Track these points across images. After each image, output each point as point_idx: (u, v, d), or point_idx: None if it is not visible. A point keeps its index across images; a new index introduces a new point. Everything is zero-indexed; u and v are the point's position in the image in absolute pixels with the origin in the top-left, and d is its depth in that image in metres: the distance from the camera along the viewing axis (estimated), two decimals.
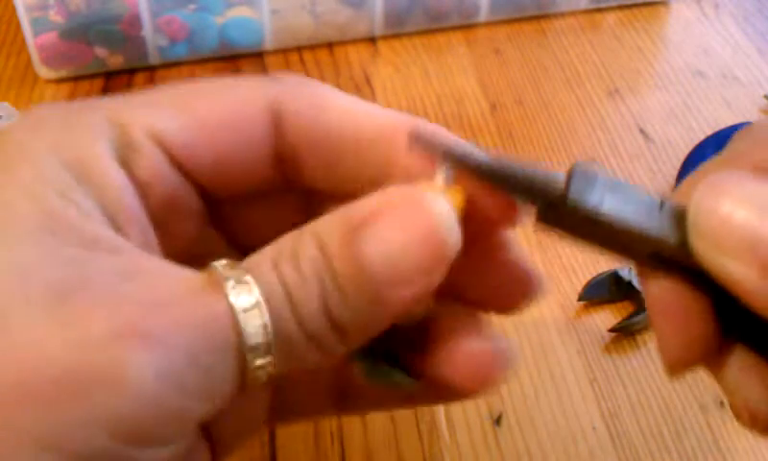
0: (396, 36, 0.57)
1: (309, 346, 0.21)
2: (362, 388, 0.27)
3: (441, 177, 0.23)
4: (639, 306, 0.41)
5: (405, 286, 0.22)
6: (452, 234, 0.22)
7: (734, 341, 0.23)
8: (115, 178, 0.22)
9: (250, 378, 0.21)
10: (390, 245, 0.21)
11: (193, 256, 0.25)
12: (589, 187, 0.22)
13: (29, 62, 0.53)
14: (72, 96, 0.52)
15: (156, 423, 0.19)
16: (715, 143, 0.49)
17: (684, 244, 0.22)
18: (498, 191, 0.24)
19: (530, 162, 0.23)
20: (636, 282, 0.41)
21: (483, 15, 0.58)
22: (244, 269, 0.21)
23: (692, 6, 0.61)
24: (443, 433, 0.37)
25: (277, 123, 0.25)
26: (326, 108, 0.25)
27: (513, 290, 0.26)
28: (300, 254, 0.21)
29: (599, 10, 0.60)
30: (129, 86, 0.53)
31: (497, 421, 0.37)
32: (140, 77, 0.54)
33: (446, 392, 0.25)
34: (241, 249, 0.28)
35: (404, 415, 0.37)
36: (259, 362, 0.21)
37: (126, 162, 0.23)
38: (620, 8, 0.61)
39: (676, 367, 0.23)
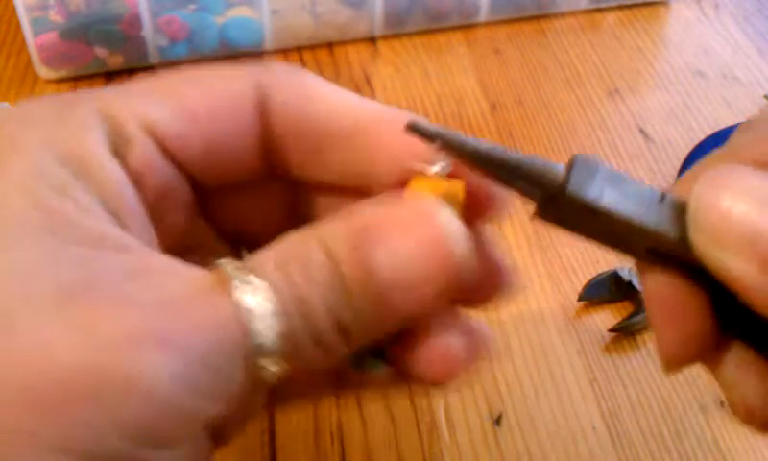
0: (396, 36, 0.57)
1: (315, 349, 0.21)
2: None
3: (438, 166, 0.23)
4: (639, 306, 0.41)
5: (413, 297, 0.22)
6: (461, 246, 0.22)
7: (732, 337, 0.23)
8: (113, 171, 0.22)
9: (258, 379, 0.21)
10: (399, 256, 0.21)
11: (184, 248, 0.25)
12: (590, 179, 0.22)
13: (29, 62, 0.53)
14: None
15: (170, 424, 0.19)
16: (715, 143, 0.49)
17: (683, 238, 0.22)
18: (496, 181, 0.23)
19: (529, 154, 0.23)
20: (635, 282, 0.41)
21: (483, 15, 0.58)
22: (253, 270, 0.21)
23: (692, 6, 0.61)
24: (443, 433, 0.37)
25: (264, 111, 0.25)
26: (312, 97, 0.25)
27: (486, 284, 0.26)
28: (308, 259, 0.21)
29: (599, 10, 0.60)
30: None
31: (497, 421, 0.37)
32: (140, 77, 0.54)
33: (419, 381, 0.25)
34: (228, 237, 0.28)
35: (404, 415, 0.37)
36: (268, 364, 0.21)
37: (119, 155, 0.22)
38: (620, 8, 0.61)
39: (673, 363, 0.23)
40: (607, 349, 0.40)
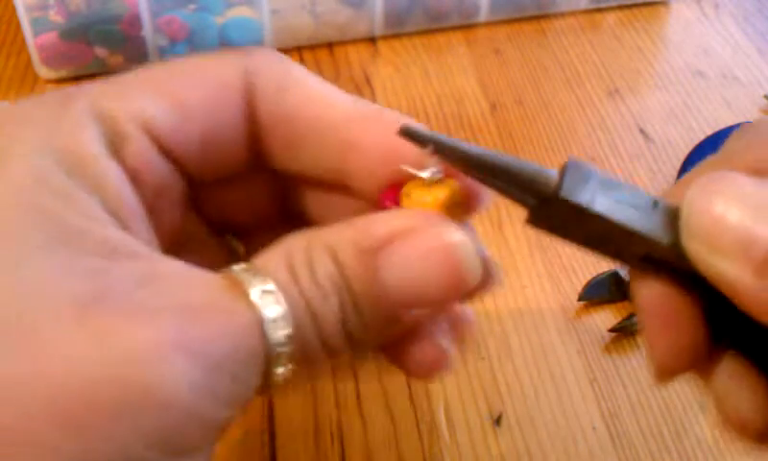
0: (396, 36, 0.57)
1: (323, 354, 0.22)
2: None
3: (431, 169, 0.23)
4: None
5: (421, 309, 0.22)
6: (475, 269, 0.22)
7: (725, 348, 0.23)
8: (111, 170, 0.22)
9: (268, 382, 0.21)
10: (409, 271, 0.22)
11: (178, 243, 0.25)
12: (582, 183, 0.22)
13: (29, 62, 0.53)
14: None
15: (190, 433, 0.19)
16: (715, 143, 0.49)
17: (676, 244, 0.21)
18: (488, 186, 0.23)
19: (522, 159, 0.23)
20: None
21: (483, 15, 0.58)
22: (265, 276, 0.21)
23: (692, 6, 0.61)
24: (443, 433, 0.37)
25: (251, 100, 0.25)
26: (291, 90, 0.25)
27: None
28: (316, 266, 0.21)
29: (599, 10, 0.60)
30: None
31: (497, 421, 0.37)
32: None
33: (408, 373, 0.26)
34: (215, 227, 0.28)
35: (404, 415, 0.37)
36: (280, 369, 0.21)
37: (116, 153, 0.22)
38: (620, 8, 0.61)
39: (665, 373, 0.23)
40: (607, 349, 0.40)
